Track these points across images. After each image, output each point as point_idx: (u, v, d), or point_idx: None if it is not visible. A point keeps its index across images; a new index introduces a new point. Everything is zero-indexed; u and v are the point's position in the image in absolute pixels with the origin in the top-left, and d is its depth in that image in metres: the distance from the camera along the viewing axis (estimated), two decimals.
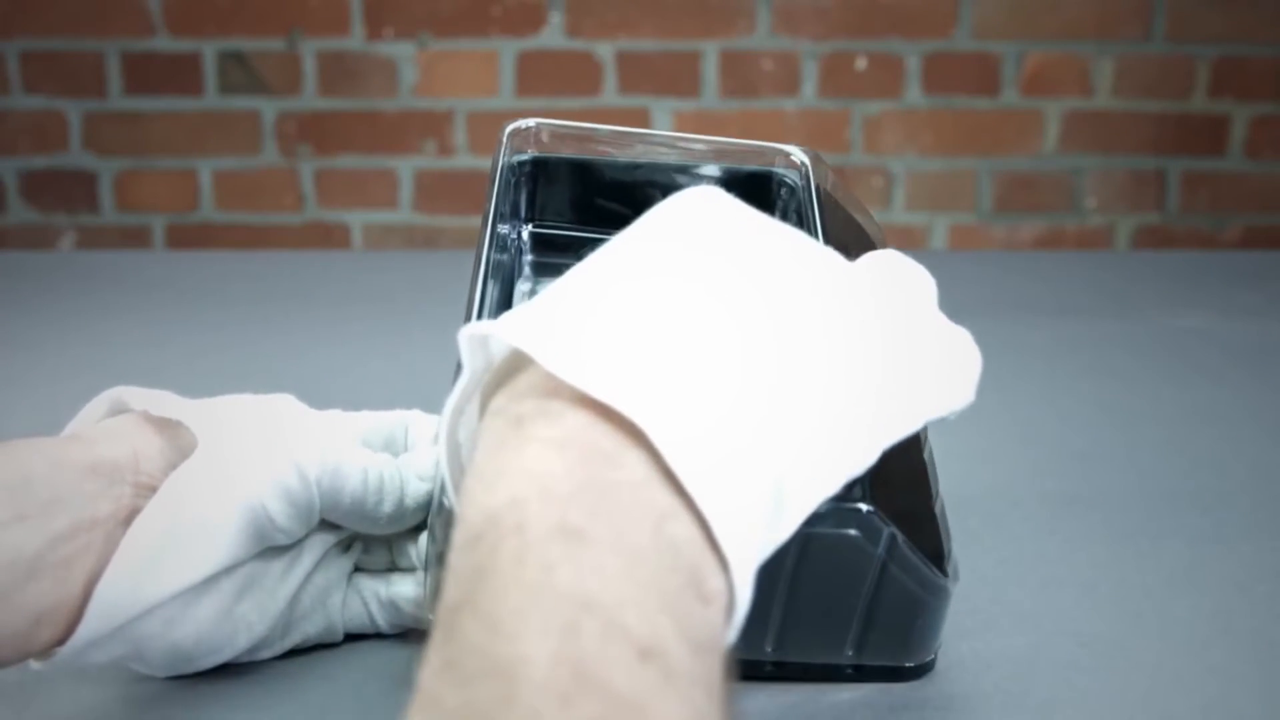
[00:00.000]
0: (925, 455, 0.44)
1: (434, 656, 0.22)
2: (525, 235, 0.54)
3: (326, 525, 0.43)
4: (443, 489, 0.38)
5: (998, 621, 0.46)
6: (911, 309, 0.32)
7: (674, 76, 1.70)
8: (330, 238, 1.74)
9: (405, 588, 0.44)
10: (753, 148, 0.52)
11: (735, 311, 0.27)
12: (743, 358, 0.27)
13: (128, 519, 0.37)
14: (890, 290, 0.31)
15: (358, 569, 0.45)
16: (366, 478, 0.42)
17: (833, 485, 0.28)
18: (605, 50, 1.68)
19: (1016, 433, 0.72)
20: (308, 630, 0.43)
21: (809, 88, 1.69)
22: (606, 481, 0.24)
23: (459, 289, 0.49)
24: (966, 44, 1.66)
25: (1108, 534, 0.56)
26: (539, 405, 0.26)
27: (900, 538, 0.39)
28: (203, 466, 0.38)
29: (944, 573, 0.41)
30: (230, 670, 0.42)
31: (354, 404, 0.48)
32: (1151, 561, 0.52)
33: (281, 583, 0.42)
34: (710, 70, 1.69)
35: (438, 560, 0.40)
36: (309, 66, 1.68)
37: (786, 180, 0.52)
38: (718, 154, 0.53)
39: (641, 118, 1.71)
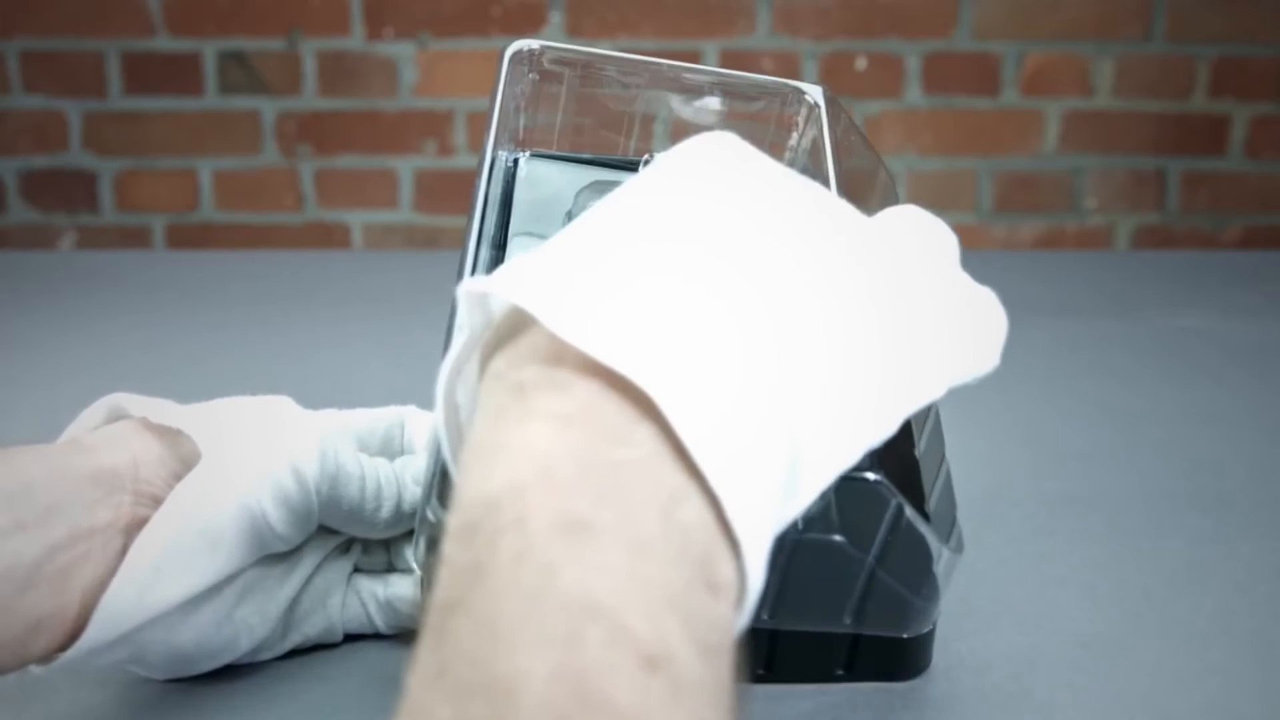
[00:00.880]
0: (932, 423, 0.44)
1: (425, 659, 0.21)
2: (524, 162, 0.53)
3: (326, 529, 0.43)
4: (436, 478, 0.38)
5: (998, 621, 0.46)
6: (933, 267, 0.29)
7: None
8: (330, 238, 1.74)
9: (403, 589, 0.44)
10: (766, 84, 0.49)
11: (749, 272, 0.26)
12: (757, 321, 0.25)
13: (127, 527, 0.37)
14: (911, 247, 0.30)
15: (357, 570, 0.45)
16: (365, 484, 0.42)
17: (851, 456, 0.27)
18: (605, 50, 1.69)
19: (1016, 433, 0.72)
20: (307, 631, 0.43)
21: None
22: (613, 461, 0.23)
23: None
24: (966, 44, 1.66)
25: (1108, 534, 0.56)
26: (543, 373, 0.24)
27: (908, 508, 0.39)
28: (207, 477, 0.38)
29: (948, 542, 0.41)
30: (230, 671, 0.42)
31: (354, 404, 0.48)
32: (1151, 561, 0.52)
33: (281, 586, 0.42)
34: None
35: (429, 548, 0.40)
36: (309, 66, 1.68)
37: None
38: (726, 90, 0.50)
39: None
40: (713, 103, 0.47)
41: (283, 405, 0.44)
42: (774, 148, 0.49)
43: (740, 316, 0.25)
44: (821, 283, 0.27)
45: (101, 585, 0.36)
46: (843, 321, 0.26)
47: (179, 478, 0.39)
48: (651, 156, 0.50)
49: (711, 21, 1.67)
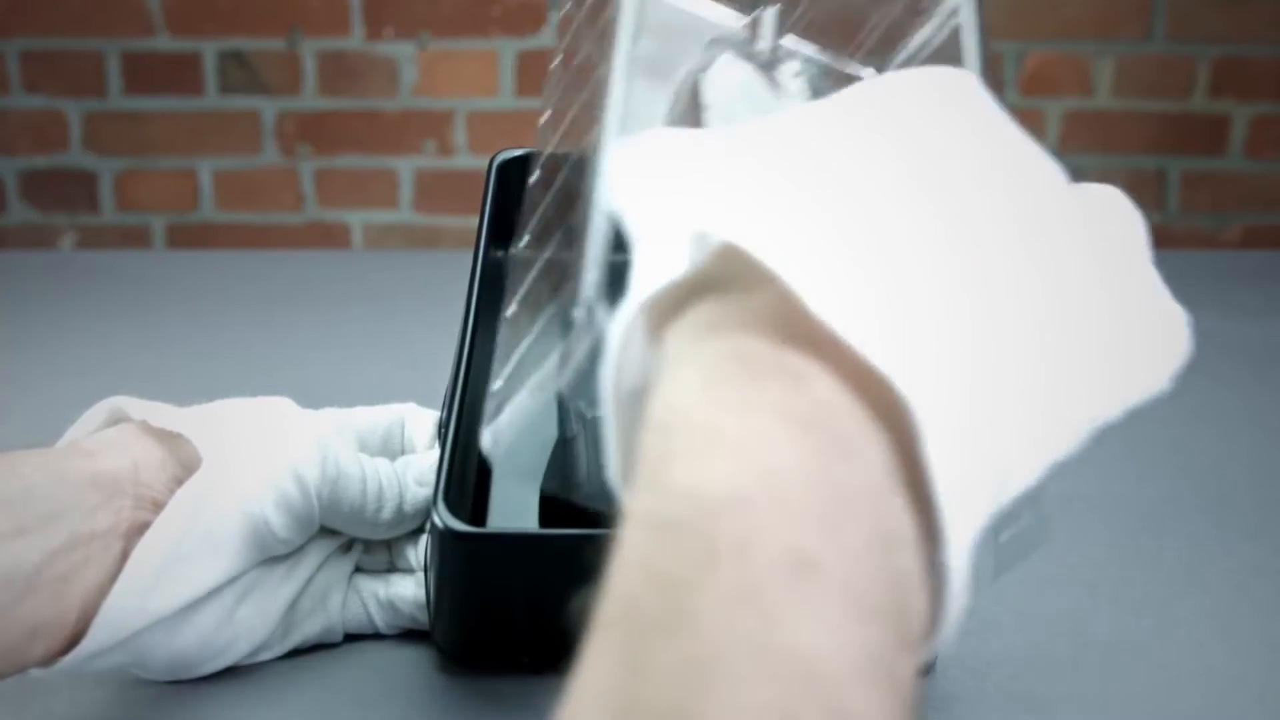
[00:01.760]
0: None
1: (607, 675, 0.18)
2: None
3: (326, 530, 0.43)
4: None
5: (998, 621, 0.46)
6: (1131, 264, 0.26)
7: None
8: (330, 238, 1.74)
9: (404, 589, 0.44)
10: None
11: (976, 259, 0.22)
12: (981, 318, 0.22)
13: (127, 532, 0.37)
14: (1113, 236, 0.26)
15: (357, 569, 0.45)
16: (366, 486, 0.42)
17: (1035, 473, 0.23)
18: None
19: None
20: (308, 631, 0.43)
21: None
22: (841, 485, 0.19)
23: (459, 289, 0.49)
24: None
25: (1108, 534, 0.56)
26: (773, 351, 0.20)
27: None
28: (208, 482, 0.38)
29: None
30: (230, 670, 0.42)
31: (354, 404, 0.48)
32: (1151, 561, 0.52)
33: (282, 587, 0.42)
34: None
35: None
36: (309, 66, 1.68)
37: None
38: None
39: None
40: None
41: (282, 406, 0.44)
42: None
43: (983, 319, 0.22)
44: (1044, 275, 0.23)
45: (101, 590, 0.36)
46: (1057, 319, 0.23)
47: (180, 482, 0.39)
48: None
49: None
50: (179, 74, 1.68)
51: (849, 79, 0.35)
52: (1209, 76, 1.67)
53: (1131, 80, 1.67)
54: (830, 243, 0.21)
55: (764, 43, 0.35)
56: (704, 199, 0.22)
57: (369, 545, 0.45)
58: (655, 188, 0.23)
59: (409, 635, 0.45)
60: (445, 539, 0.38)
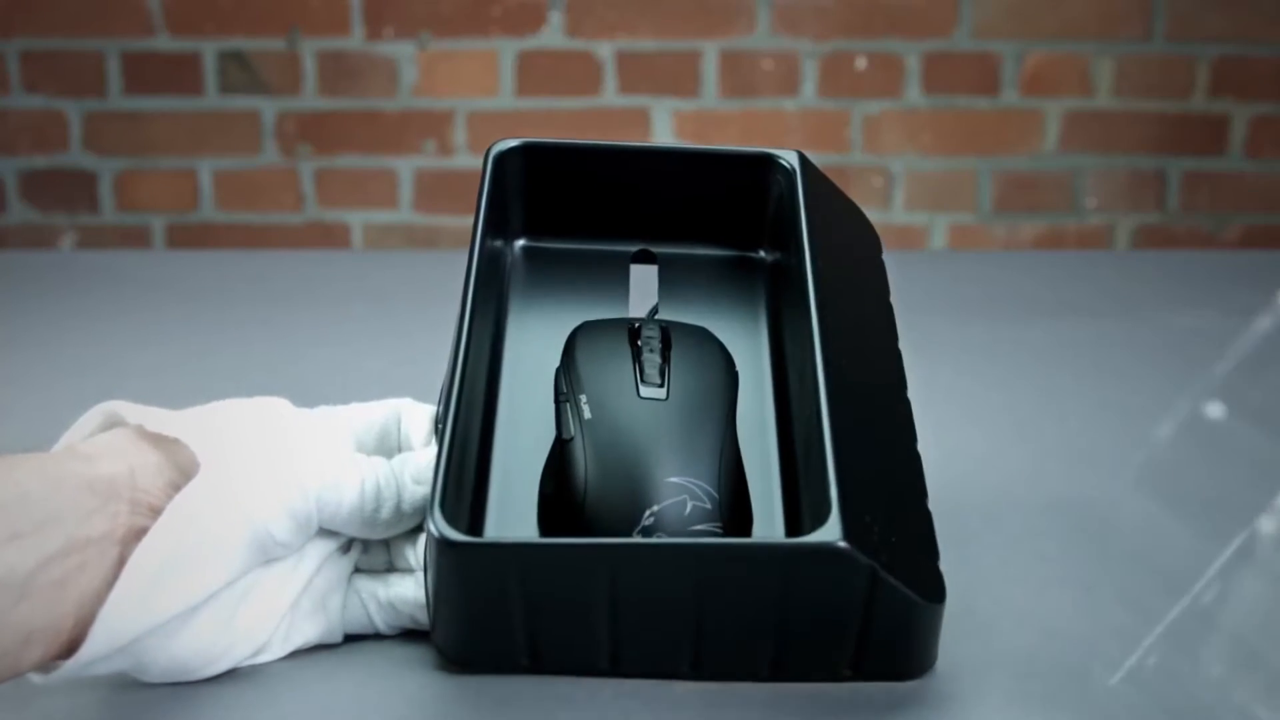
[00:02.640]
0: (914, 463, 0.44)
1: None
2: (518, 250, 0.53)
3: (325, 530, 0.43)
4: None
5: (998, 621, 0.46)
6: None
7: (674, 76, 1.70)
8: (330, 238, 1.74)
9: (405, 589, 0.44)
10: (745, 154, 0.52)
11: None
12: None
13: (124, 537, 0.37)
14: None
15: (356, 569, 0.45)
16: (364, 488, 0.42)
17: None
18: (605, 50, 1.69)
19: (1016, 433, 0.72)
20: (308, 633, 0.43)
21: (809, 88, 1.69)
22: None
23: (459, 288, 0.49)
24: (966, 44, 1.66)
25: (1108, 534, 0.56)
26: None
27: (881, 572, 0.38)
28: (206, 488, 0.38)
29: (932, 593, 0.41)
30: (229, 671, 0.42)
31: (353, 404, 0.48)
32: (1151, 561, 0.52)
33: (282, 589, 0.42)
34: (710, 70, 1.69)
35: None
36: (309, 66, 1.68)
37: (784, 164, 0.51)
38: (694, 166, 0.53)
39: (641, 118, 1.71)
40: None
41: (279, 406, 0.44)
42: (757, 188, 0.52)
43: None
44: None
45: (98, 596, 0.36)
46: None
47: (177, 487, 0.38)
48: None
49: (711, 21, 1.67)
50: (179, 74, 1.68)
51: None
52: (1209, 76, 1.67)
53: (1131, 80, 1.67)
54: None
55: None
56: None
57: (367, 545, 0.45)
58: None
59: (409, 635, 0.45)
60: (441, 548, 0.38)
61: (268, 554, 0.40)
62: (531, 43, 1.68)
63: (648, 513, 0.42)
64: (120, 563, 0.37)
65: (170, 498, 0.38)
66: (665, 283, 0.53)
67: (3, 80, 1.69)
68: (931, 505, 0.43)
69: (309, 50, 1.68)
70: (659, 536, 0.41)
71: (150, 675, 0.39)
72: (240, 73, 1.69)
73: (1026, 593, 0.49)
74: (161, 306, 1.06)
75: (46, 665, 0.37)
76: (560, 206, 0.53)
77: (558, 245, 0.54)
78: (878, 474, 0.42)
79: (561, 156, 0.52)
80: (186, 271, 1.25)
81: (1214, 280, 1.22)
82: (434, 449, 0.44)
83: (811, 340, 0.44)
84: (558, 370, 0.47)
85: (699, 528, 0.42)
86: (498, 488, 0.45)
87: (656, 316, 0.51)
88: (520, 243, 0.53)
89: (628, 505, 0.42)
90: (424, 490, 0.43)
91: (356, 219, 1.74)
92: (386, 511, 0.43)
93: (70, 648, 0.36)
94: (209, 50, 1.68)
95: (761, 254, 0.54)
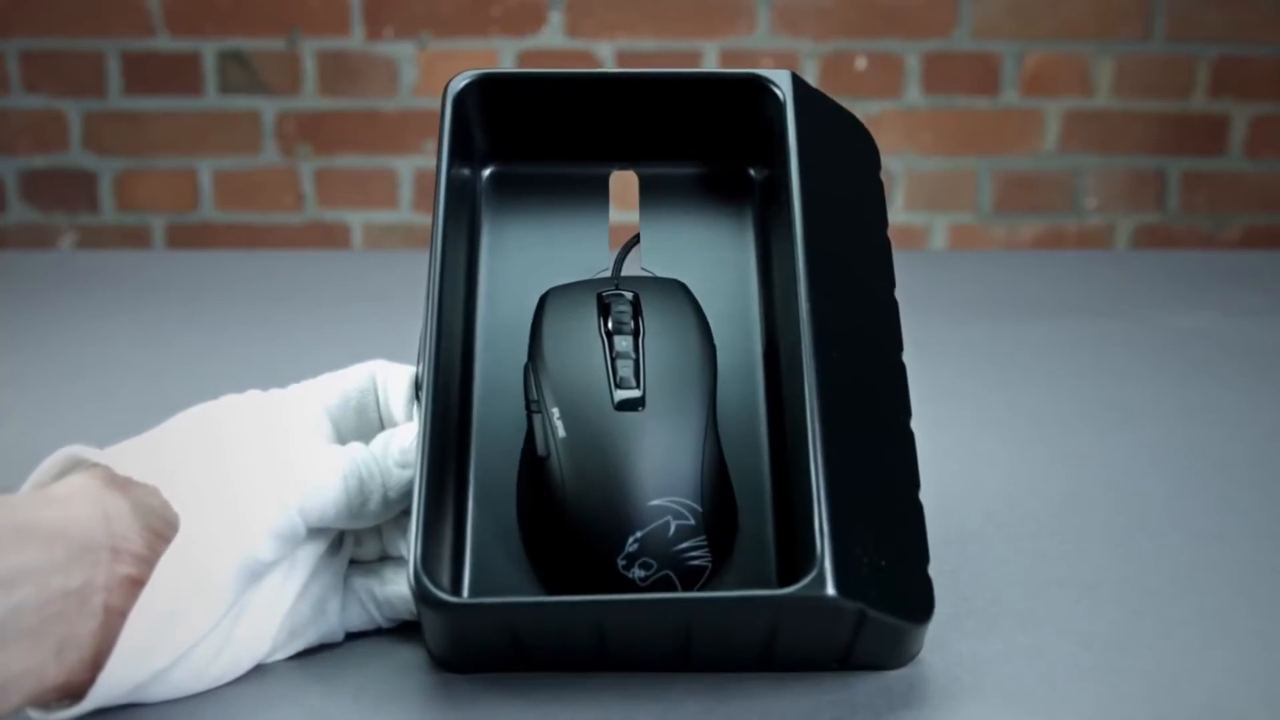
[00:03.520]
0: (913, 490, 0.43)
1: None
2: (485, 178, 0.51)
3: (314, 531, 0.42)
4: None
5: (998, 621, 0.46)
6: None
7: None
8: (330, 238, 1.74)
9: (399, 586, 0.44)
10: (733, 77, 0.49)
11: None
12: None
13: (107, 584, 0.37)
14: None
15: (352, 561, 0.45)
16: (346, 484, 0.41)
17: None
18: (605, 50, 1.68)
19: (1017, 433, 0.72)
20: (309, 637, 0.43)
21: None
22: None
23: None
24: (966, 44, 1.66)
25: (1108, 534, 0.56)
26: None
27: (869, 610, 0.39)
28: (188, 538, 0.37)
29: (920, 613, 0.41)
30: None
31: None
32: (1151, 561, 0.52)
33: (277, 599, 0.41)
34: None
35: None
36: (309, 66, 1.68)
37: (774, 87, 0.47)
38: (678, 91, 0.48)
39: None
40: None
41: (244, 408, 0.43)
42: (749, 115, 0.48)
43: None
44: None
45: (80, 644, 0.36)
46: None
47: (154, 531, 0.38)
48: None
49: (711, 21, 1.67)
50: (179, 74, 1.68)
51: None
52: (1209, 76, 1.67)
53: (1131, 80, 1.67)
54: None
55: None
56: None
57: (360, 536, 0.45)
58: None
59: (409, 635, 0.45)
60: (426, 607, 0.38)
61: (259, 576, 0.40)
62: (531, 43, 1.68)
63: (631, 539, 0.41)
64: (106, 610, 0.36)
65: (148, 542, 0.38)
66: (647, 204, 0.50)
67: (3, 80, 1.68)
68: (931, 504, 0.43)
69: (309, 50, 1.68)
70: (645, 562, 0.41)
71: (149, 700, 0.39)
72: (240, 73, 1.69)
73: (1026, 593, 0.49)
74: (161, 306, 1.06)
75: (47, 704, 0.37)
76: (531, 134, 0.50)
77: (531, 170, 0.50)
78: (867, 471, 0.42)
79: (527, 88, 0.49)
80: (186, 271, 1.25)
81: (1214, 280, 1.23)
82: (415, 425, 0.43)
83: (797, 283, 0.43)
84: (526, 366, 0.45)
85: (684, 545, 0.41)
86: (477, 489, 0.45)
87: (625, 274, 0.48)
88: (490, 170, 0.51)
89: (610, 530, 0.41)
90: (409, 474, 0.42)
91: (356, 219, 1.74)
92: (373, 503, 0.42)
93: (63, 691, 0.36)
94: (209, 50, 1.68)
95: (751, 173, 0.51)
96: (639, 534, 0.41)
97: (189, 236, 1.75)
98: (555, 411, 0.42)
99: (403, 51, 1.68)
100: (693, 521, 0.41)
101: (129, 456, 0.39)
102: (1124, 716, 0.40)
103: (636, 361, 0.43)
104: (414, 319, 0.98)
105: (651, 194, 0.50)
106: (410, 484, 0.42)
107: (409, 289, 1.14)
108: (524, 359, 0.45)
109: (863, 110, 1.70)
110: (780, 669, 0.41)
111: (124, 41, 1.67)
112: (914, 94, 1.68)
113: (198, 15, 1.67)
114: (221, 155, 1.71)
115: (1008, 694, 0.41)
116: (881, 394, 0.44)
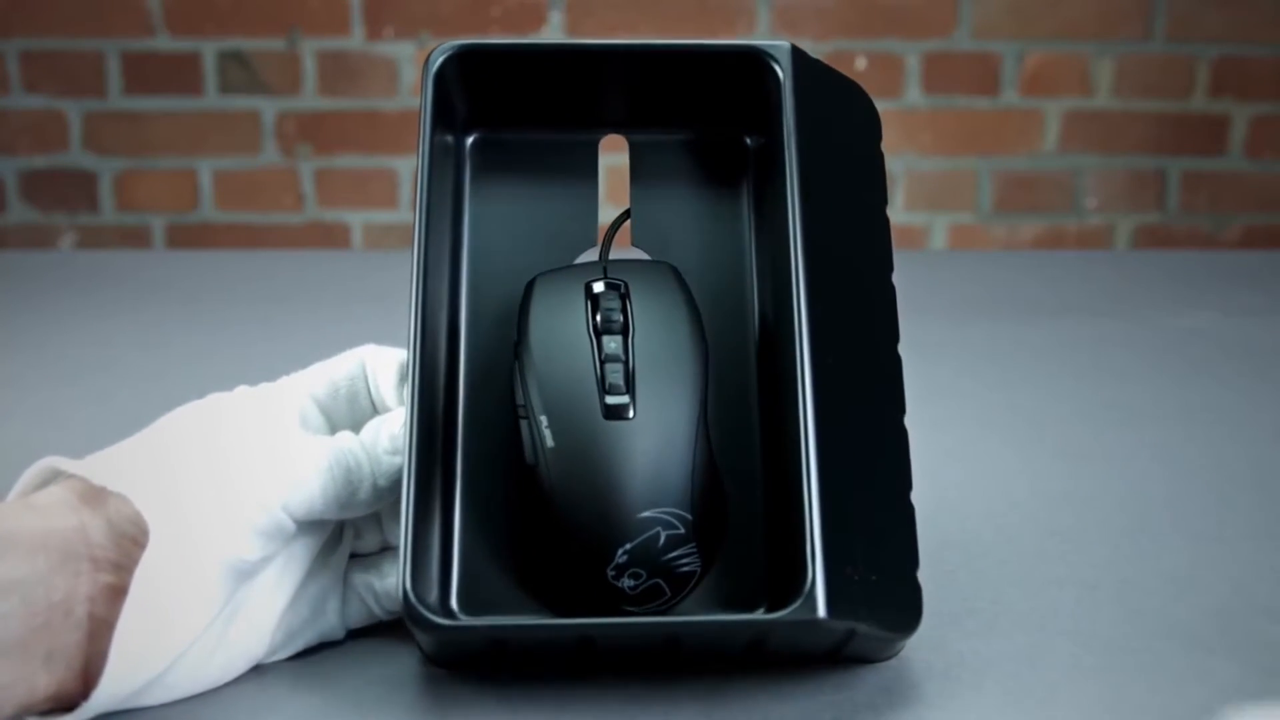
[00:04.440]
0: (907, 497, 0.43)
1: None
2: (469, 145, 0.50)
3: (307, 526, 0.42)
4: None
5: (998, 621, 0.46)
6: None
7: None
8: (330, 238, 1.74)
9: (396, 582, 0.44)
10: (729, 50, 0.47)
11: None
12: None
13: (90, 595, 0.37)
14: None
15: (352, 555, 0.45)
16: (332, 474, 0.41)
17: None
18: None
19: (1017, 433, 0.72)
20: (309, 636, 0.43)
21: None
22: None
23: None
24: (966, 44, 1.66)
25: (1108, 534, 0.56)
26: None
27: (859, 626, 0.39)
28: (166, 544, 0.37)
29: (908, 622, 0.41)
30: None
31: None
32: (1151, 561, 0.52)
33: (272, 597, 0.41)
34: None
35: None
36: (309, 66, 1.68)
37: (772, 59, 0.45)
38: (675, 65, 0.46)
39: None
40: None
41: (222, 408, 0.42)
42: (748, 90, 0.47)
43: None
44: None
45: (67, 655, 0.36)
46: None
47: (132, 539, 0.38)
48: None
49: (711, 21, 1.67)
50: (179, 74, 1.68)
51: None
52: (1209, 76, 1.67)
53: (1131, 80, 1.67)
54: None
55: None
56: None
57: (360, 529, 0.45)
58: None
59: (409, 634, 0.44)
60: (416, 628, 0.38)
61: (247, 577, 0.40)
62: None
63: (621, 551, 0.41)
64: (91, 619, 0.36)
65: (126, 551, 0.38)
66: (637, 173, 0.48)
67: (3, 80, 1.68)
68: (932, 505, 0.43)
69: (309, 50, 1.68)
70: (634, 572, 0.41)
71: (146, 705, 0.39)
72: (240, 73, 1.69)
73: (1026, 593, 0.49)
74: (161, 307, 1.06)
75: (40, 715, 0.37)
76: (516, 102, 0.49)
77: (517, 136, 0.49)
78: (860, 477, 0.41)
79: (511, 60, 0.47)
80: (186, 271, 1.25)
81: (1214, 280, 1.23)
82: (403, 412, 0.42)
83: (791, 272, 0.42)
84: (513, 365, 0.44)
85: (675, 554, 0.41)
86: (464, 494, 0.45)
87: (614, 256, 0.47)
88: (474, 136, 0.49)
89: (599, 543, 0.41)
90: (398, 461, 0.42)
91: (356, 219, 1.74)
92: (364, 492, 0.42)
93: (55, 701, 0.36)
94: (209, 50, 1.68)
95: (747, 141, 0.49)
96: (628, 546, 0.41)
97: (189, 236, 1.75)
98: (544, 420, 0.42)
99: (403, 51, 1.68)
100: (682, 530, 0.41)
101: (105, 465, 0.39)
102: (1124, 716, 0.40)
103: (626, 365, 0.42)
104: None
105: (642, 162, 0.48)
106: (399, 471, 0.42)
107: (409, 289, 1.14)
108: (511, 343, 0.44)
109: None
110: (766, 666, 0.42)
111: (124, 41, 1.67)
112: (914, 94, 1.68)
113: (198, 15, 1.67)
114: (221, 155, 1.71)
115: (1008, 694, 0.41)
116: (876, 391, 0.43)
